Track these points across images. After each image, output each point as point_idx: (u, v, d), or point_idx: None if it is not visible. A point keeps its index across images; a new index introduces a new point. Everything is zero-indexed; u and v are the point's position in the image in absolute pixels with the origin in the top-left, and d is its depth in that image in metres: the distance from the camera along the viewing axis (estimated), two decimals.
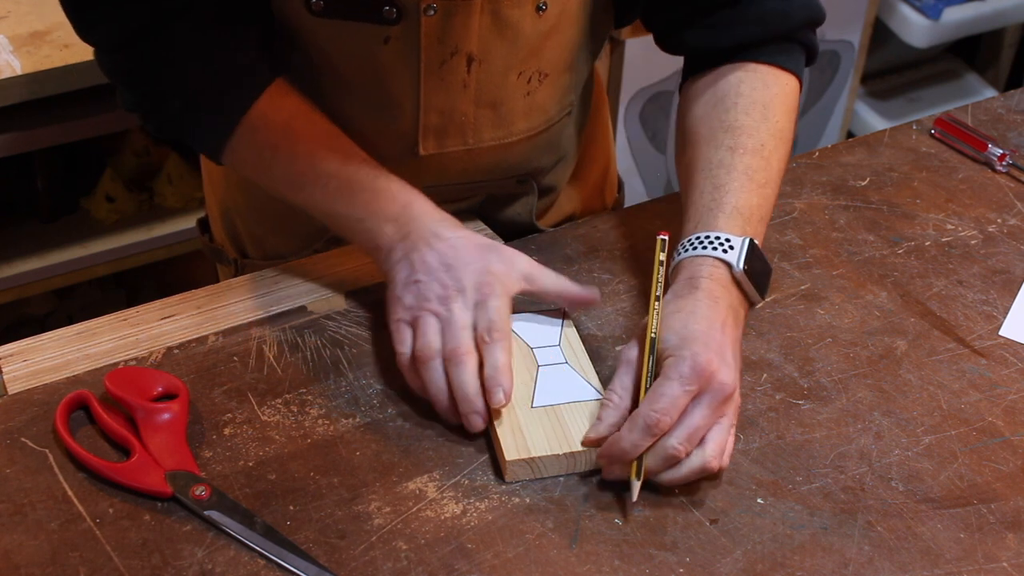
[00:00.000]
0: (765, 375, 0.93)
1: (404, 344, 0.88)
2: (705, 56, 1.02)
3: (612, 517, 0.81)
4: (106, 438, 0.85)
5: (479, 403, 0.84)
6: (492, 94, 1.01)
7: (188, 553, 0.77)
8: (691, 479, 0.81)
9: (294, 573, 0.76)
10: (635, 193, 2.23)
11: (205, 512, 0.79)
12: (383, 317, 0.92)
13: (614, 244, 1.08)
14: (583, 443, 0.83)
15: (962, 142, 1.23)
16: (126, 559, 0.76)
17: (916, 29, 2.47)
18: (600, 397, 0.87)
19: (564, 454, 0.83)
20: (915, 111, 2.67)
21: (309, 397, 0.90)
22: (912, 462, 0.86)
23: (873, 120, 2.65)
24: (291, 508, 0.80)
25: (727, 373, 0.80)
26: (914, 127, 1.27)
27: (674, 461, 0.79)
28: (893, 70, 2.79)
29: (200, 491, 0.80)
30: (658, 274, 0.88)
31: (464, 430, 0.86)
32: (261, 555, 0.77)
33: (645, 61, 2.10)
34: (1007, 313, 1.01)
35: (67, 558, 0.76)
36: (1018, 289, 1.04)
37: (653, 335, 0.84)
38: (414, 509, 0.81)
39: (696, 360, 0.80)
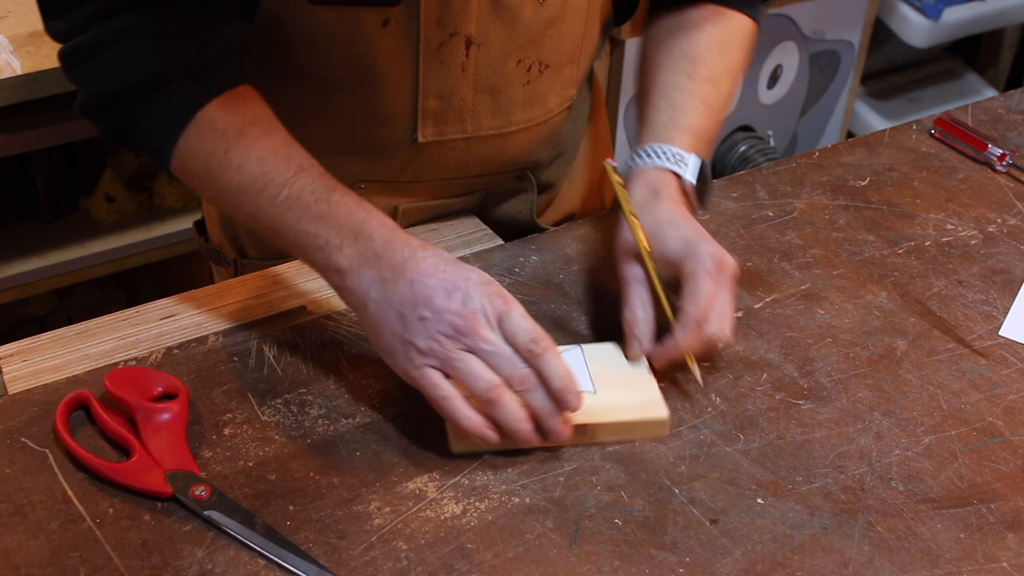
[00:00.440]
0: (765, 375, 0.93)
1: (441, 388, 0.83)
2: None
3: (612, 517, 0.81)
4: (106, 438, 0.85)
5: (558, 415, 0.83)
6: (491, 79, 1.02)
7: (188, 553, 0.77)
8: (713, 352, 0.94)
9: (294, 573, 0.76)
10: None
11: (205, 512, 0.79)
12: None
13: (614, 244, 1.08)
14: (629, 359, 0.92)
15: (962, 142, 1.23)
16: (126, 559, 0.76)
17: (916, 29, 2.47)
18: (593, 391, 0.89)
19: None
20: (915, 111, 2.67)
21: (309, 397, 0.90)
22: (912, 462, 0.86)
23: (873, 120, 2.65)
24: (291, 508, 0.80)
25: (728, 256, 0.91)
26: (914, 127, 1.27)
27: (715, 346, 0.90)
28: (893, 70, 2.79)
29: (200, 491, 0.80)
30: (624, 194, 0.96)
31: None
32: (261, 555, 0.77)
33: None
34: (1007, 313, 1.01)
35: (67, 558, 0.76)
36: (1018, 289, 1.04)
37: (648, 249, 0.92)
38: (414, 509, 0.81)
39: (712, 254, 0.90)
